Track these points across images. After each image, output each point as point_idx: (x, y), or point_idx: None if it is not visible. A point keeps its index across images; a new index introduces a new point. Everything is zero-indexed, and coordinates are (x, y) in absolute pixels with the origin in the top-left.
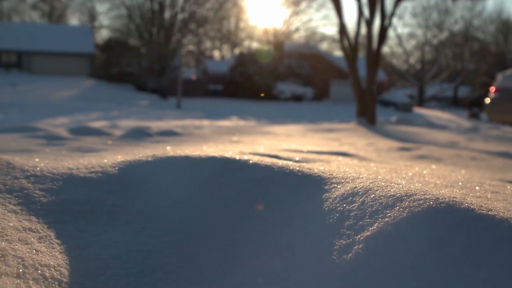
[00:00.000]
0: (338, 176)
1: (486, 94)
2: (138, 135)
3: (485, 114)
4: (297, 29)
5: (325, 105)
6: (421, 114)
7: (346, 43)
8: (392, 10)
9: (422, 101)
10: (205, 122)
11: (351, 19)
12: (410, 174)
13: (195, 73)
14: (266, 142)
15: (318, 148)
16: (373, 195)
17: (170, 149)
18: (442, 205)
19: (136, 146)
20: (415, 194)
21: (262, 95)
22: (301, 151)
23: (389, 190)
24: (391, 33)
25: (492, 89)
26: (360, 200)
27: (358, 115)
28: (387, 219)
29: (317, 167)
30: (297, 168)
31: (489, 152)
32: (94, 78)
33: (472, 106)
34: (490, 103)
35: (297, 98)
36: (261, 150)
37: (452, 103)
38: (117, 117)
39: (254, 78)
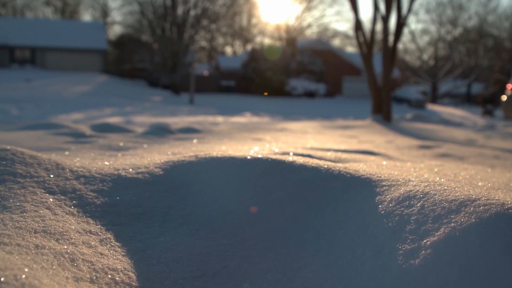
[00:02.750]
0: (387, 178)
1: (500, 91)
2: (160, 132)
3: (500, 111)
4: (309, 25)
5: (338, 102)
6: (434, 111)
7: (361, 39)
8: (408, 6)
9: (435, 98)
10: (219, 118)
11: (365, 15)
12: (452, 175)
13: (207, 69)
14: (287, 139)
15: (342, 146)
16: (432, 199)
17: (207, 148)
18: (510, 211)
19: (164, 144)
20: (479, 199)
21: (266, 94)
22: (329, 150)
23: (448, 194)
24: (404, 29)
25: (509, 86)
26: (419, 204)
27: (373, 112)
28: (453, 224)
29: (362, 169)
30: (344, 170)
31: (511, 151)
32: (107, 74)
33: (486, 103)
34: (506, 100)
35: (310, 94)
36: (290, 149)
37: (466, 100)
38: (131, 112)
39: (267, 74)
